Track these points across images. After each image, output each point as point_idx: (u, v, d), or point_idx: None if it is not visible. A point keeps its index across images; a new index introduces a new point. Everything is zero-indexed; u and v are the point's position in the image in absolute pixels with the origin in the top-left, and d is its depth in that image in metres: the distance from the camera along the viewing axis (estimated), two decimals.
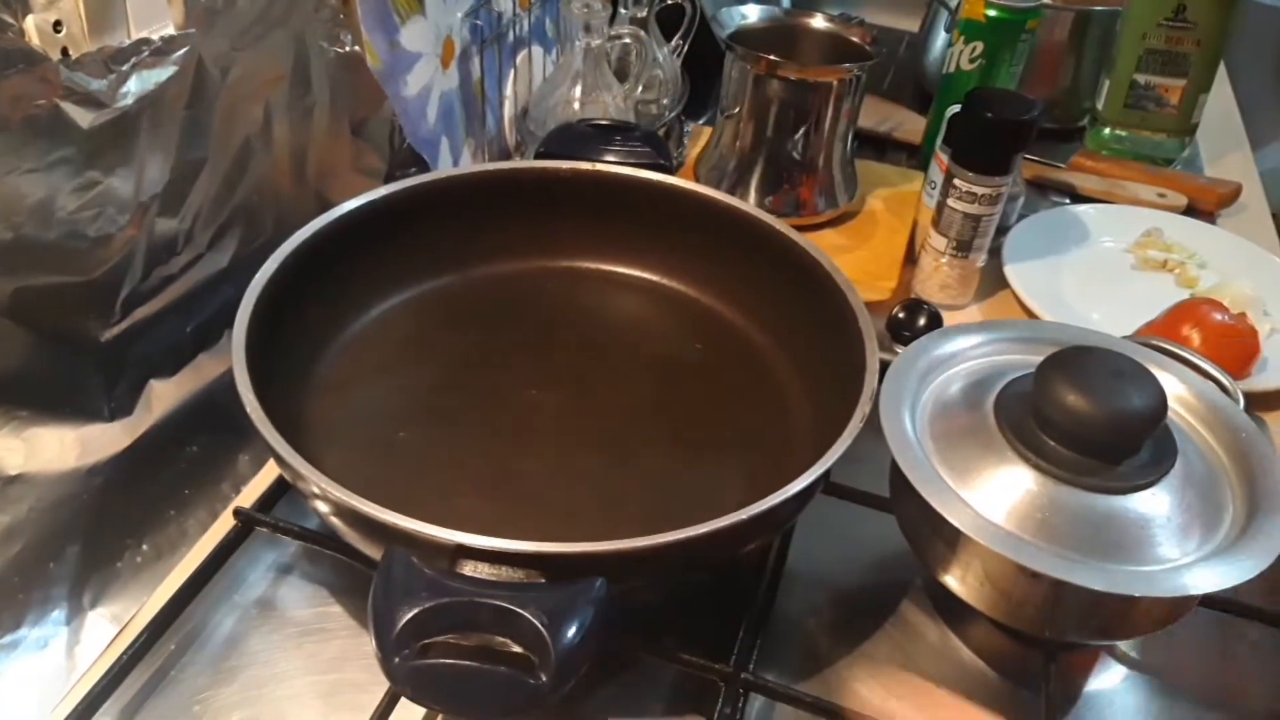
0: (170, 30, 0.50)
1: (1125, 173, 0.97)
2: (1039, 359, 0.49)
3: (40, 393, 0.49)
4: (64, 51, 0.44)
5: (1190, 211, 0.92)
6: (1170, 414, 0.48)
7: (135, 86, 0.48)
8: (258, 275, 0.55)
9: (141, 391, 0.56)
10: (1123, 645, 0.54)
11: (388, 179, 0.72)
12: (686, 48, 0.93)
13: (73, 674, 0.50)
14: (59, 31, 0.44)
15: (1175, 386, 0.52)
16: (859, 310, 0.56)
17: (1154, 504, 0.46)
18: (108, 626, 0.52)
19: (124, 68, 0.47)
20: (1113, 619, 0.47)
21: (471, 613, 0.39)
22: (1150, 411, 0.45)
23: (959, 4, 0.90)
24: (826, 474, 0.47)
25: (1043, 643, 0.51)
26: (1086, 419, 0.45)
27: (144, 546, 0.55)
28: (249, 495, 0.57)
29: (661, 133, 0.85)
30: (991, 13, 0.85)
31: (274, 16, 0.57)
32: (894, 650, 0.53)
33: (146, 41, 0.48)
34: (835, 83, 0.78)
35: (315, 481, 0.44)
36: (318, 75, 0.63)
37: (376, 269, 0.64)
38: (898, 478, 0.49)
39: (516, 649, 0.39)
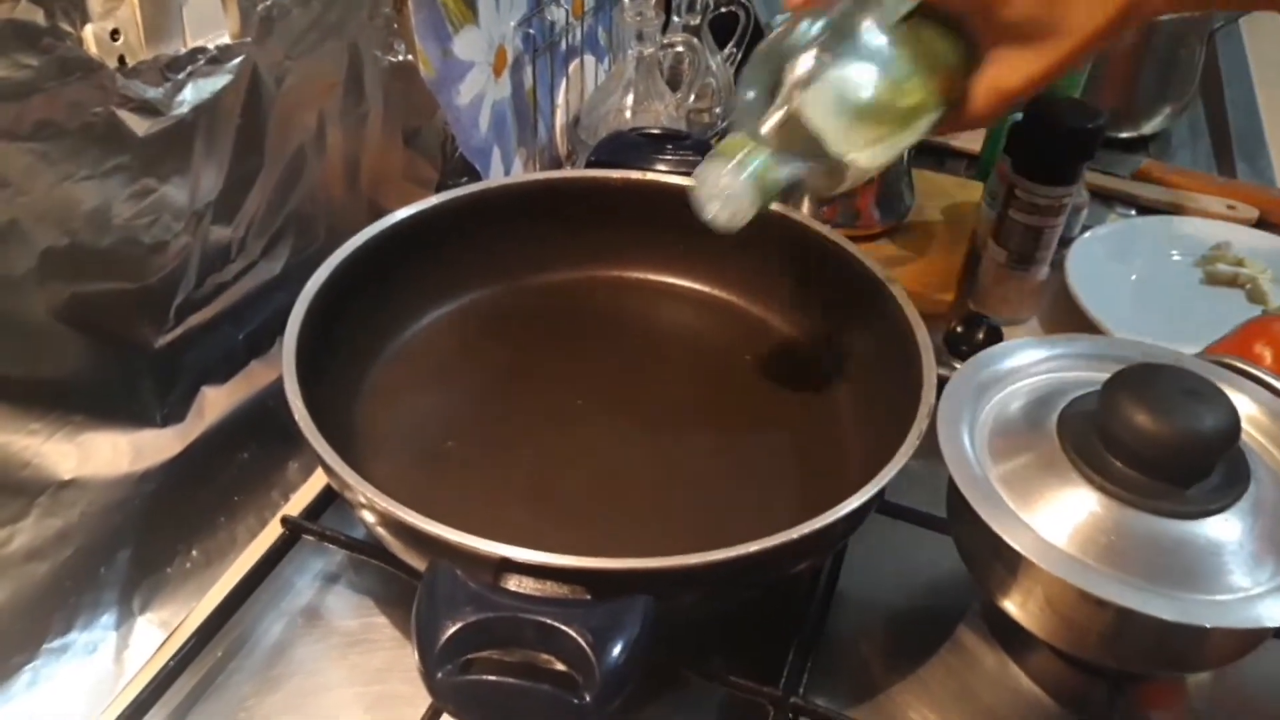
0: (226, 39, 0.50)
1: (1193, 184, 0.94)
2: (1104, 376, 0.47)
3: (94, 398, 0.50)
4: (120, 60, 0.45)
5: (1262, 224, 0.89)
6: (1243, 435, 0.46)
7: (191, 95, 0.48)
8: (309, 283, 0.55)
9: (194, 398, 0.56)
10: (1192, 677, 0.52)
11: (439, 188, 0.72)
12: (740, 55, 0.92)
13: (120, 679, 0.50)
14: (116, 40, 0.44)
15: (1247, 406, 0.50)
16: (916, 323, 0.54)
17: (1226, 530, 0.44)
18: (156, 632, 0.52)
19: (180, 76, 0.48)
20: (1182, 650, 0.45)
21: (515, 628, 0.38)
22: (1223, 432, 0.43)
23: None
24: (881, 492, 0.46)
25: (1107, 673, 0.49)
26: (1155, 439, 0.43)
27: (194, 552, 0.55)
28: (297, 503, 0.57)
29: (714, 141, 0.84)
30: None
31: (328, 25, 0.58)
32: (950, 677, 0.51)
33: (202, 50, 0.49)
34: None
35: (361, 491, 0.44)
36: (371, 84, 0.63)
37: (427, 278, 0.64)
38: (955, 498, 0.47)
39: (560, 667, 0.38)
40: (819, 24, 0.48)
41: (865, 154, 0.49)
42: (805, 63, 0.47)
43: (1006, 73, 0.48)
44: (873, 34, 0.47)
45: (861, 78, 0.47)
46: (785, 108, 0.47)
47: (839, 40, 0.47)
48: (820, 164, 0.49)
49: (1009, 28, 0.47)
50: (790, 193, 0.50)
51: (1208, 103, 1.15)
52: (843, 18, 0.48)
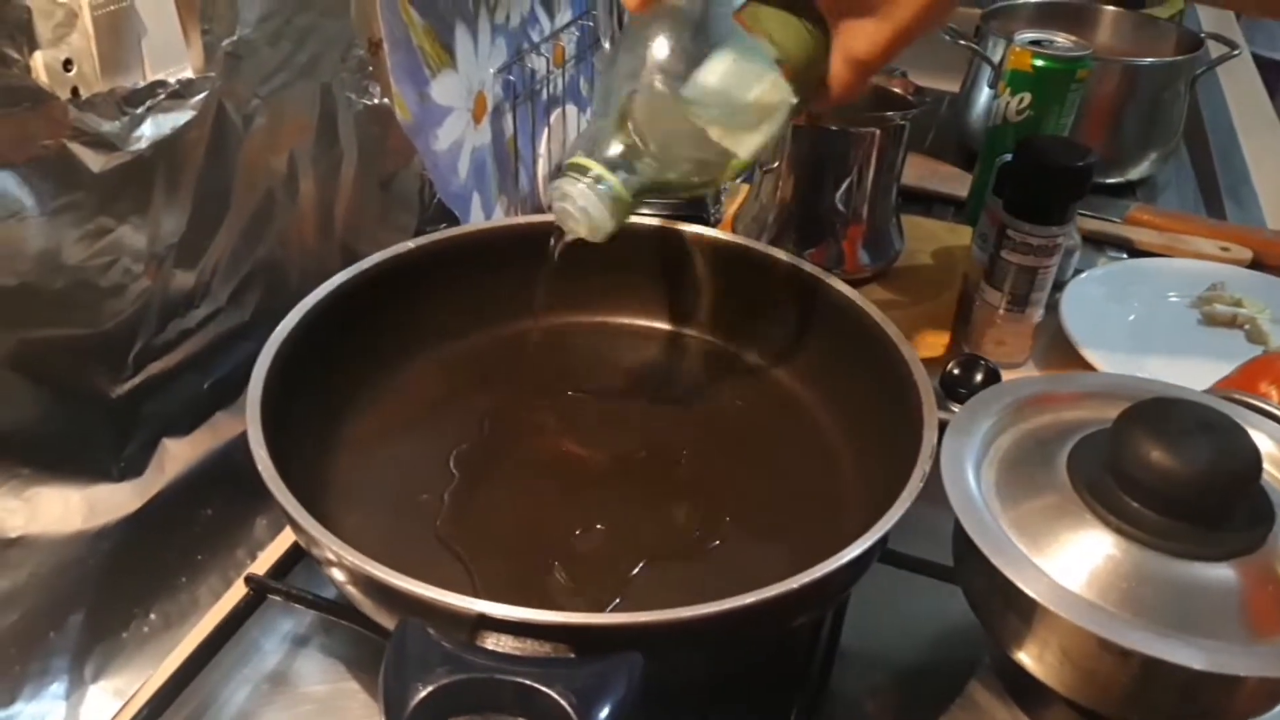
0: (189, 73, 0.48)
1: (1185, 226, 0.93)
2: (1112, 413, 0.44)
3: (44, 450, 0.47)
4: (74, 91, 0.43)
5: (1256, 265, 0.88)
6: (1263, 473, 0.44)
7: (150, 130, 0.46)
8: (277, 329, 0.52)
9: (154, 451, 0.53)
10: None
11: (417, 235, 0.70)
12: None
13: None
14: (69, 70, 0.42)
15: (1264, 443, 0.47)
16: (914, 363, 0.52)
17: (1254, 572, 0.41)
18: (110, 701, 0.49)
19: (138, 110, 0.46)
20: (1212, 702, 0.42)
21: (492, 691, 0.35)
22: (1246, 468, 0.41)
23: (1002, 59, 0.88)
24: (884, 540, 0.43)
25: None
26: (1174, 477, 0.41)
27: (152, 616, 0.52)
28: (264, 562, 0.54)
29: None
30: (1039, 63, 0.83)
31: (299, 65, 0.56)
32: None
33: (163, 84, 0.47)
34: (878, 133, 0.75)
35: (327, 544, 0.41)
36: (345, 127, 0.62)
37: (403, 325, 0.61)
38: (963, 543, 0.44)
39: None
40: (662, 28, 0.48)
41: (740, 145, 0.49)
42: (657, 68, 0.47)
43: (857, 41, 0.49)
44: (720, 26, 0.48)
45: (718, 71, 0.47)
46: (635, 119, 0.47)
47: (686, 39, 0.48)
48: (690, 164, 0.49)
49: None
50: (663, 194, 0.51)
51: (1191, 148, 1.15)
52: (684, 19, 0.48)
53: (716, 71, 0.47)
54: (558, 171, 0.48)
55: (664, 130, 0.47)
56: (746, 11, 0.49)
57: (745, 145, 0.49)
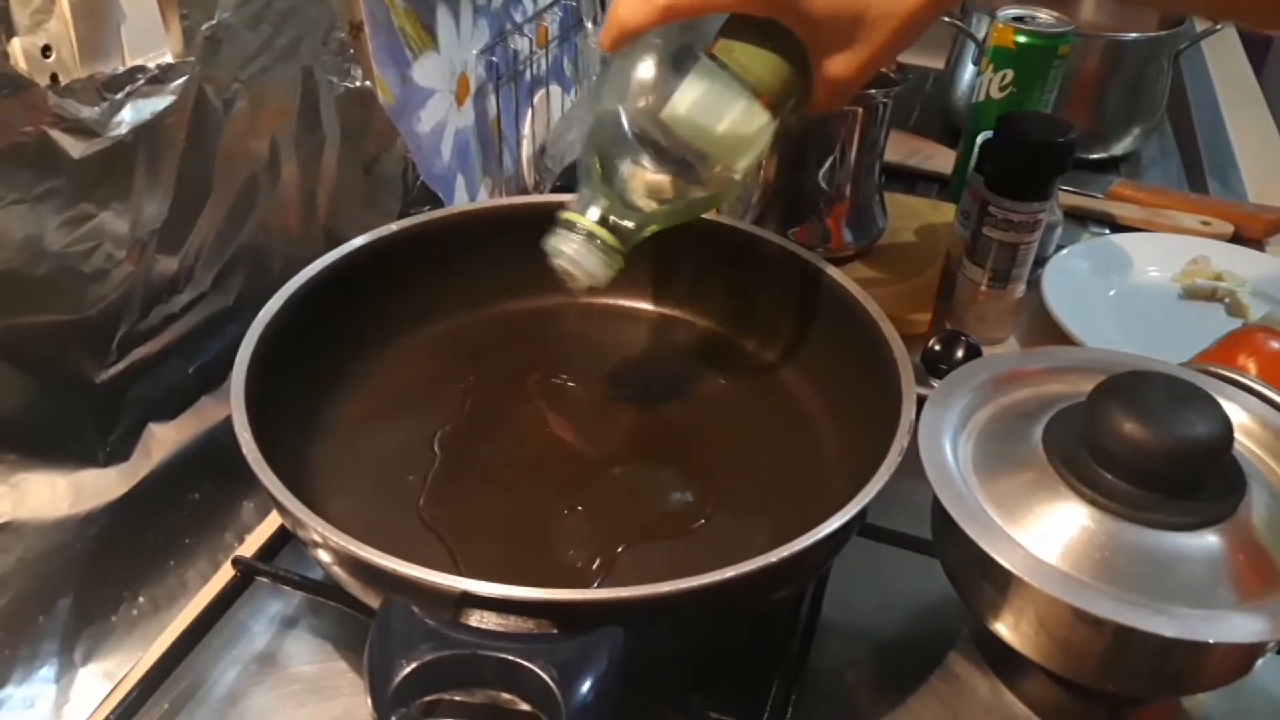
0: (168, 58, 0.48)
1: (1166, 201, 0.94)
2: (1088, 387, 0.45)
3: (30, 436, 0.47)
4: (53, 78, 0.43)
5: (1237, 239, 0.88)
6: (1236, 444, 0.45)
7: (130, 116, 0.46)
8: (261, 313, 0.53)
9: (140, 435, 0.53)
10: (1191, 701, 0.50)
11: (401, 218, 0.70)
12: None
13: None
14: (48, 57, 0.42)
15: (1238, 415, 0.48)
16: (892, 339, 0.53)
17: (1225, 541, 0.42)
18: (100, 684, 0.49)
19: (118, 96, 0.46)
20: (1183, 669, 0.43)
21: (475, 666, 0.36)
22: (1216, 439, 0.42)
23: (986, 35, 0.88)
24: (863, 513, 0.44)
25: (1105, 696, 0.47)
26: (1146, 449, 0.41)
27: (140, 599, 0.52)
28: (251, 544, 0.54)
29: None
30: (1021, 39, 0.83)
31: (279, 49, 0.56)
32: (941, 707, 0.49)
33: (142, 69, 0.46)
34: (861, 111, 0.75)
35: (313, 526, 0.41)
36: (327, 110, 0.61)
37: (387, 307, 0.62)
38: (940, 516, 0.45)
39: (525, 707, 0.36)
40: (637, 65, 0.49)
41: (734, 168, 0.50)
42: (632, 107, 0.48)
43: (836, 66, 0.49)
44: (694, 61, 0.49)
45: (688, 103, 0.48)
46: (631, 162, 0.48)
47: (661, 76, 0.48)
48: (673, 205, 0.49)
49: (822, 23, 0.47)
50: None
51: (1175, 123, 1.15)
52: (660, 54, 0.49)
53: (686, 104, 0.48)
54: (552, 221, 0.49)
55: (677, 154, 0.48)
56: (719, 45, 0.49)
57: (740, 165, 0.50)
